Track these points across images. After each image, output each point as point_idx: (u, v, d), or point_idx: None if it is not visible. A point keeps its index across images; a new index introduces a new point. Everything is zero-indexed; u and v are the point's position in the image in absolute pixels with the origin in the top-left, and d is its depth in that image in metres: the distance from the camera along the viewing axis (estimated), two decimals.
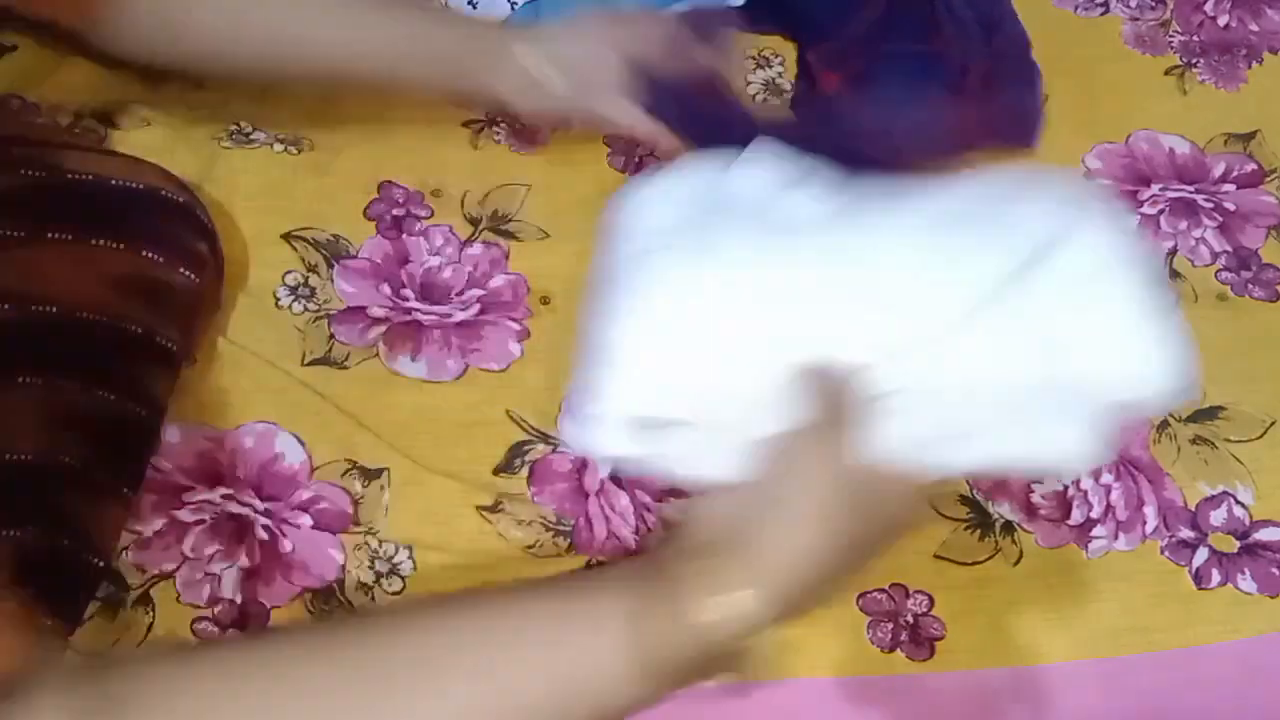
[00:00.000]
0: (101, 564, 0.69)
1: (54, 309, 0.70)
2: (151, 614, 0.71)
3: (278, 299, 0.84)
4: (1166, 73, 1.03)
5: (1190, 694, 0.74)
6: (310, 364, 0.81)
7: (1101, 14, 1.07)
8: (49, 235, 0.72)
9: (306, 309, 0.83)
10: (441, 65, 0.80)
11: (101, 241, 0.73)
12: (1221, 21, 1.06)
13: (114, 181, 0.76)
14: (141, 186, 0.76)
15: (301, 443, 0.78)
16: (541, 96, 0.80)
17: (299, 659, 0.51)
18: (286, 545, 0.74)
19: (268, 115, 0.92)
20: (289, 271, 0.85)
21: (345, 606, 0.73)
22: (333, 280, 0.85)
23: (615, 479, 0.78)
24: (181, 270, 0.75)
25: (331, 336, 0.82)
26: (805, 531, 0.53)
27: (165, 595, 0.72)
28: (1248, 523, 0.79)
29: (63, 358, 0.70)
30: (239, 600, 0.72)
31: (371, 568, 0.74)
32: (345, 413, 0.79)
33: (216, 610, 0.71)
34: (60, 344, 0.70)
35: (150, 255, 0.74)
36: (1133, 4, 1.07)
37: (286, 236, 0.86)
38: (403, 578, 0.74)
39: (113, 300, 0.72)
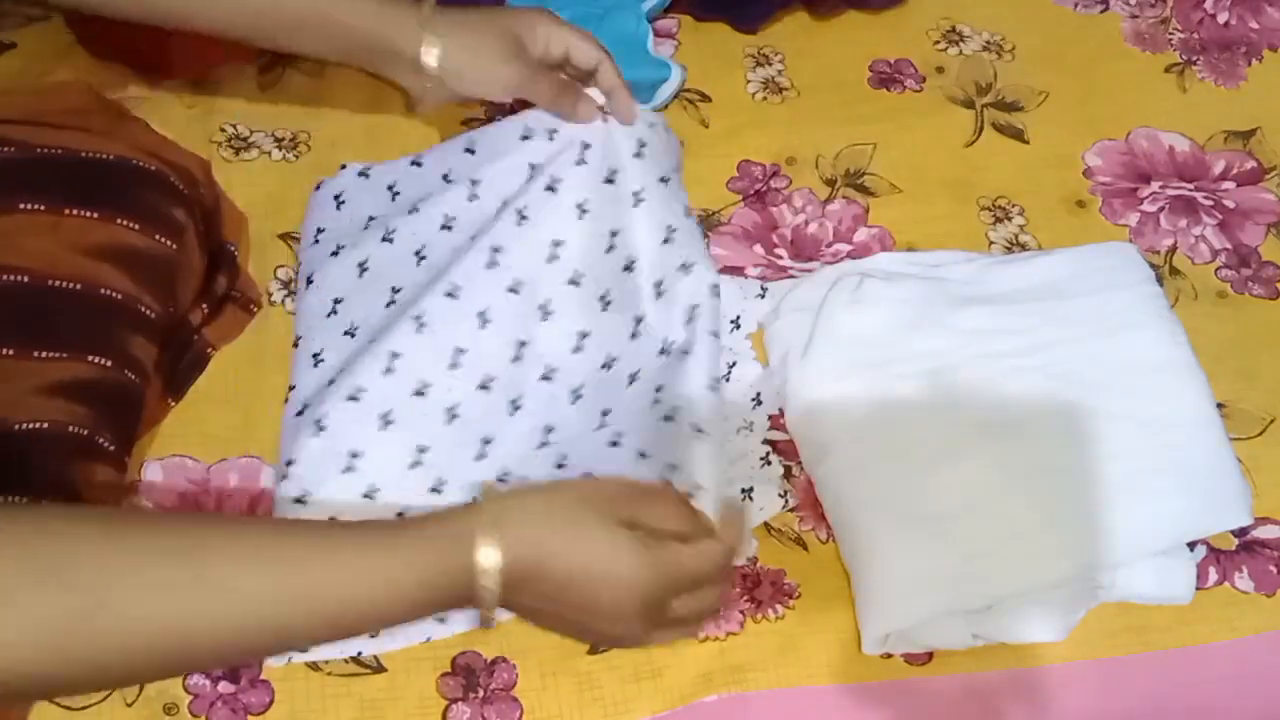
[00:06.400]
0: None
1: (24, 278, 0.70)
2: None
3: (270, 294, 0.84)
4: (1166, 70, 1.03)
5: (1188, 693, 0.74)
6: None
7: (1101, 11, 1.06)
8: (20, 207, 0.72)
9: None
10: (348, 43, 0.75)
11: (74, 211, 0.72)
12: (1221, 19, 1.06)
13: (84, 154, 0.75)
14: (112, 157, 0.76)
15: None
16: (437, 92, 0.77)
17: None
18: None
19: (265, 112, 0.92)
20: (280, 266, 0.85)
21: None
22: None
23: None
24: (158, 238, 0.75)
25: None
26: (586, 556, 0.57)
27: None
28: None
29: (37, 326, 0.70)
30: None
31: None
32: None
33: None
34: (34, 313, 0.70)
35: (125, 223, 0.74)
36: (1132, 1, 1.07)
37: (284, 236, 0.86)
38: None
39: (88, 268, 0.72)
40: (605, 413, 0.72)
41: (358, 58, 0.77)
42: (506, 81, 0.77)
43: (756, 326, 0.84)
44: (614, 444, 0.71)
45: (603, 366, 0.75)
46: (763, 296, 0.85)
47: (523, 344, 0.74)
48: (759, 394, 0.81)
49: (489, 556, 0.55)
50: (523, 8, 0.80)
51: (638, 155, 0.79)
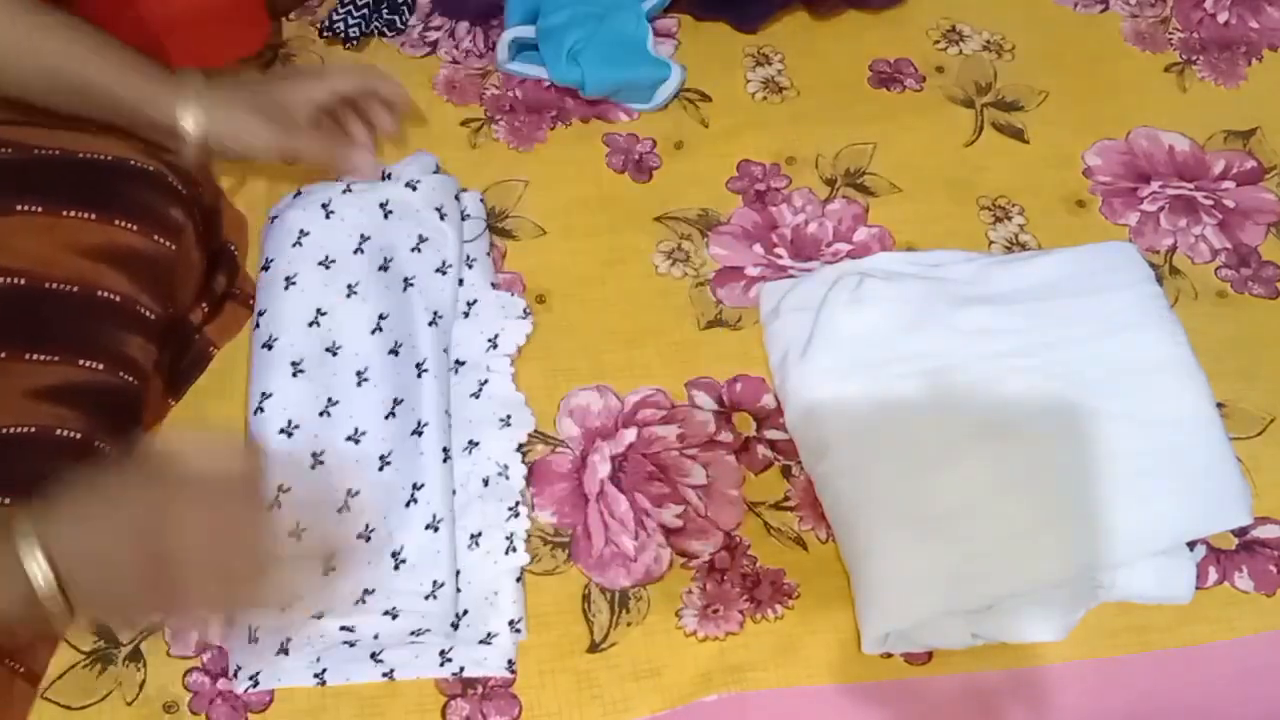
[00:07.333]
0: None
1: (20, 280, 0.70)
2: (143, 669, 0.70)
3: None
4: (1166, 70, 1.03)
5: (1187, 693, 0.74)
6: None
7: (1101, 11, 1.06)
8: (18, 209, 0.72)
9: None
10: (118, 111, 0.76)
11: (72, 213, 0.73)
12: (1221, 18, 1.06)
13: (81, 155, 0.75)
14: (110, 158, 0.76)
15: None
16: (201, 154, 0.79)
17: None
18: None
19: None
20: None
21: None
22: None
23: (615, 483, 0.78)
24: (156, 238, 0.75)
25: None
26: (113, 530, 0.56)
27: (155, 649, 0.71)
28: None
29: (31, 329, 0.70)
30: (226, 646, 0.71)
31: None
32: None
33: (205, 659, 0.71)
34: (29, 315, 0.70)
35: (123, 224, 0.74)
36: (1132, 1, 1.07)
37: None
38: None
39: (85, 269, 0.72)
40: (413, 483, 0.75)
41: (127, 123, 0.77)
42: (269, 146, 0.79)
43: (516, 348, 0.83)
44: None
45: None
46: (525, 317, 0.84)
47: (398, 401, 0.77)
48: (509, 416, 0.80)
49: (34, 559, 0.54)
50: (291, 73, 0.84)
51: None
